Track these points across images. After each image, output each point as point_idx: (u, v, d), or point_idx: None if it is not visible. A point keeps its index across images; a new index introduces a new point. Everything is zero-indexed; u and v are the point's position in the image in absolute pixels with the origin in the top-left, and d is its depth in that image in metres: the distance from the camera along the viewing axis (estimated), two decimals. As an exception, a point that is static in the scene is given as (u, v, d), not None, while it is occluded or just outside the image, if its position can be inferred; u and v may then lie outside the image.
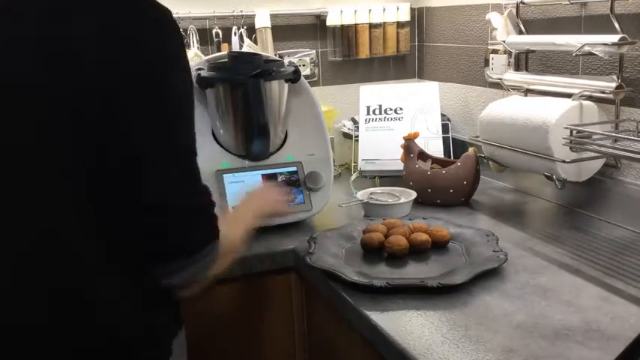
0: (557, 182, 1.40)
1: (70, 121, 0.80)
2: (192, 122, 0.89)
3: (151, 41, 0.83)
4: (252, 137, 1.36)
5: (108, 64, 0.80)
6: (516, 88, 1.62)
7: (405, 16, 2.02)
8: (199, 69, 1.39)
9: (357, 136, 1.81)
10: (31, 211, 0.81)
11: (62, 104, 0.79)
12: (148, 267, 0.88)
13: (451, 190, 1.54)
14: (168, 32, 0.85)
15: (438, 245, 1.26)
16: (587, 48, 1.34)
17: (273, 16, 1.88)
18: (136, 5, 0.84)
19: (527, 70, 1.63)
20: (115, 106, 0.80)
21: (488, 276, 1.12)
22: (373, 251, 1.24)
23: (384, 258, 1.23)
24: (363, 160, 1.76)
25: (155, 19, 0.85)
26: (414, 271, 1.17)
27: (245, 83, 1.32)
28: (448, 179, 1.55)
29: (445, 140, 1.79)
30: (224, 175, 1.39)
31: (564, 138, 1.31)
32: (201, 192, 0.90)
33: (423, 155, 1.63)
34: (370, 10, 1.97)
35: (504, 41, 1.61)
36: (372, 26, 1.99)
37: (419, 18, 2.09)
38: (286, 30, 1.95)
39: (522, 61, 1.64)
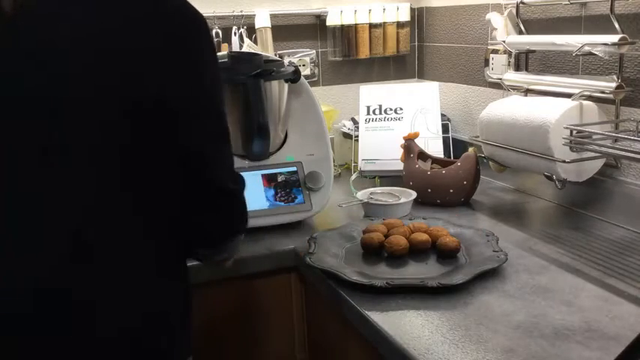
0: (557, 182, 1.40)
1: (128, 120, 0.83)
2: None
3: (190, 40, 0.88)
4: (252, 137, 1.36)
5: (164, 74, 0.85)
6: (516, 88, 1.62)
7: (405, 16, 2.02)
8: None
9: (357, 136, 1.81)
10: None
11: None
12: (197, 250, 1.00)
13: (451, 190, 1.54)
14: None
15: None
16: (587, 48, 1.34)
17: (273, 16, 1.88)
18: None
19: (527, 70, 1.63)
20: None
21: (488, 276, 1.12)
22: (373, 251, 1.24)
23: (384, 258, 1.23)
24: (363, 160, 1.76)
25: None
26: (414, 271, 1.17)
27: (245, 83, 1.32)
28: (448, 179, 1.55)
29: (445, 140, 1.79)
30: (224, 175, 1.39)
31: (564, 138, 1.31)
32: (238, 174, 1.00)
33: (423, 155, 1.63)
34: (370, 10, 1.97)
35: (504, 41, 1.61)
36: (372, 26, 1.99)
37: (419, 18, 2.09)
38: (286, 30, 1.95)
39: (522, 61, 1.64)
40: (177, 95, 0.85)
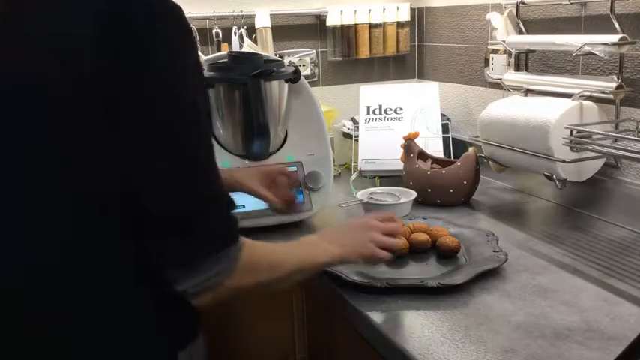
0: (557, 182, 1.40)
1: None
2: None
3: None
4: (252, 137, 1.36)
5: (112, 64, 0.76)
6: (516, 88, 1.62)
7: (405, 16, 2.03)
8: (199, 69, 1.39)
9: (357, 136, 1.81)
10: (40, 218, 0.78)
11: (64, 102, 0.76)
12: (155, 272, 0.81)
13: (451, 190, 1.54)
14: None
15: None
16: (587, 48, 1.34)
17: (273, 16, 1.88)
18: None
19: (527, 70, 1.63)
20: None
21: (489, 276, 1.12)
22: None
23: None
24: (363, 160, 1.76)
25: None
26: (414, 271, 1.17)
27: (245, 83, 1.32)
28: (448, 179, 1.55)
29: (445, 140, 1.79)
30: (224, 175, 1.39)
31: (564, 138, 1.31)
32: (214, 190, 0.82)
33: (423, 155, 1.63)
34: (370, 10, 1.97)
35: (504, 41, 1.61)
36: (372, 26, 1.99)
37: (419, 18, 2.09)
38: (286, 30, 1.95)
39: (522, 61, 1.64)
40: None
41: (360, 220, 1.10)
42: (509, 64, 1.68)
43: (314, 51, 1.98)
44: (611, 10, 1.33)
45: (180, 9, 0.80)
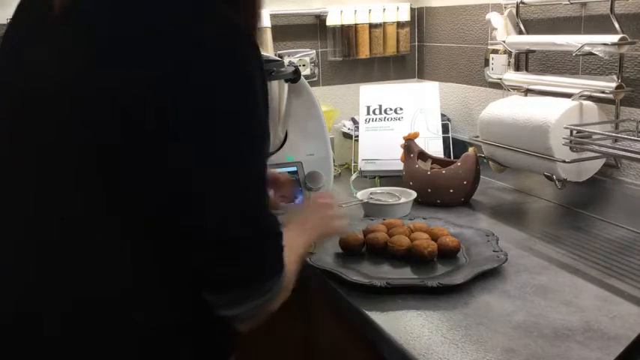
0: (557, 182, 1.40)
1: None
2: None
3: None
4: (252, 137, 1.36)
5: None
6: (516, 88, 1.62)
7: (405, 16, 2.03)
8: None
9: (357, 136, 1.81)
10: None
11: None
12: (204, 295, 0.80)
13: (451, 190, 1.54)
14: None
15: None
16: (587, 48, 1.34)
17: (273, 16, 1.88)
18: None
19: (527, 70, 1.63)
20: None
21: (489, 276, 1.12)
22: (378, 252, 1.24)
23: (385, 258, 1.23)
24: (363, 160, 1.76)
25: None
26: (414, 271, 1.17)
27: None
28: (448, 179, 1.55)
29: (445, 140, 1.79)
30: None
31: (564, 138, 1.31)
32: (270, 217, 0.82)
33: (423, 155, 1.63)
34: (370, 10, 1.97)
35: (504, 41, 1.61)
36: (372, 26, 1.99)
37: (419, 18, 2.09)
38: (286, 30, 1.95)
39: (522, 61, 1.64)
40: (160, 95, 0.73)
41: (318, 201, 1.16)
42: (509, 64, 1.68)
43: (314, 51, 1.98)
44: (611, 10, 1.33)
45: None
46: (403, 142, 1.64)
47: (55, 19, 0.79)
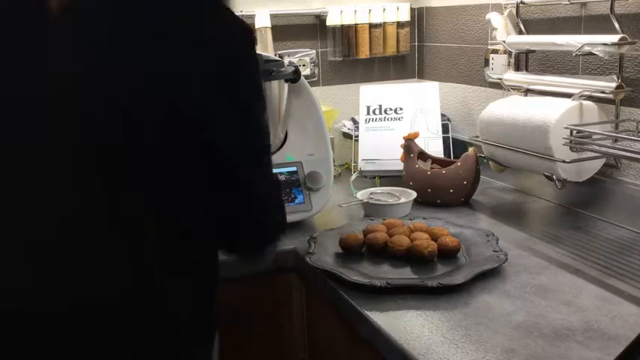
0: (557, 182, 1.40)
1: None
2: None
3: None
4: (252, 137, 1.36)
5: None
6: (516, 88, 1.62)
7: (405, 16, 2.02)
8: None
9: (357, 136, 1.81)
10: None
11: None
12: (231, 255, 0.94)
13: (451, 190, 1.54)
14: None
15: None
16: (587, 48, 1.34)
17: (273, 16, 1.88)
18: None
19: (527, 70, 1.63)
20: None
21: (489, 276, 1.12)
22: (378, 252, 1.24)
23: (385, 258, 1.23)
24: (363, 160, 1.76)
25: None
26: (414, 271, 1.17)
27: (245, 83, 1.32)
28: (448, 179, 1.55)
29: (445, 140, 1.79)
30: (224, 175, 1.39)
31: (564, 138, 1.31)
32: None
33: (423, 155, 1.63)
34: (370, 10, 1.97)
35: (504, 41, 1.61)
36: (372, 26, 1.99)
37: (419, 18, 2.09)
38: (286, 30, 1.95)
39: (522, 61, 1.64)
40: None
41: None
42: (509, 64, 1.68)
43: (314, 51, 1.98)
44: (611, 10, 1.33)
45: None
46: (403, 142, 1.64)
47: (55, 19, 0.79)
